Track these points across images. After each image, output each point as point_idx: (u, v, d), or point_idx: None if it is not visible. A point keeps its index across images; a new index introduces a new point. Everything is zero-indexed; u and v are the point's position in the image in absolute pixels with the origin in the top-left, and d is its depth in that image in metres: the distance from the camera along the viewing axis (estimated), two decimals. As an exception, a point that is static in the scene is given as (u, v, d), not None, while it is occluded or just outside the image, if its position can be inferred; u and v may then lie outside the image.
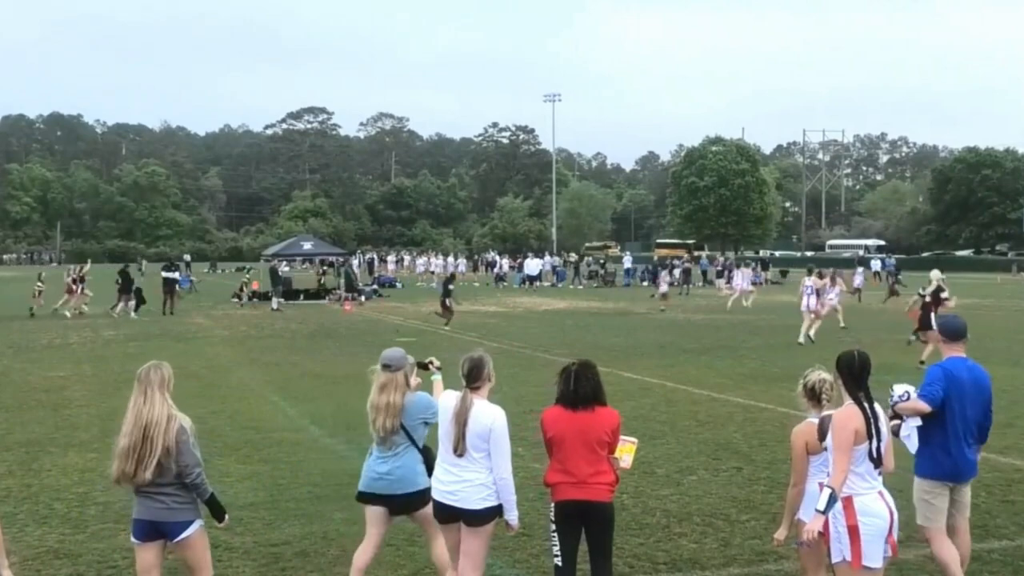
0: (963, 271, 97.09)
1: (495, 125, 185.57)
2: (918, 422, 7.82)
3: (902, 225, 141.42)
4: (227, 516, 7.22)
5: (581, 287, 65.37)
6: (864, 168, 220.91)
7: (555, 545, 7.02)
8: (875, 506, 6.52)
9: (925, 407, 7.72)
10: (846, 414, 6.65)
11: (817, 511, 6.43)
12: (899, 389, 7.85)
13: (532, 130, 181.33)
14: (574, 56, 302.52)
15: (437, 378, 8.32)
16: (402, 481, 7.67)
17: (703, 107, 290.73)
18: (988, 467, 12.35)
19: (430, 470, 7.48)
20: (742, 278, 47.29)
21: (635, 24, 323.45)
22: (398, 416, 7.63)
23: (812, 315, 29.51)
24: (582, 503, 6.91)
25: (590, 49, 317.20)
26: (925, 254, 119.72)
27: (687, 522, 10.21)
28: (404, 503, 7.74)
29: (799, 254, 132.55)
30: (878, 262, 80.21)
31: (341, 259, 58.33)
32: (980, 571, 8.60)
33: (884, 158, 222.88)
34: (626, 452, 7.16)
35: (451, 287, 37.39)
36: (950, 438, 7.78)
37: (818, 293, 30.24)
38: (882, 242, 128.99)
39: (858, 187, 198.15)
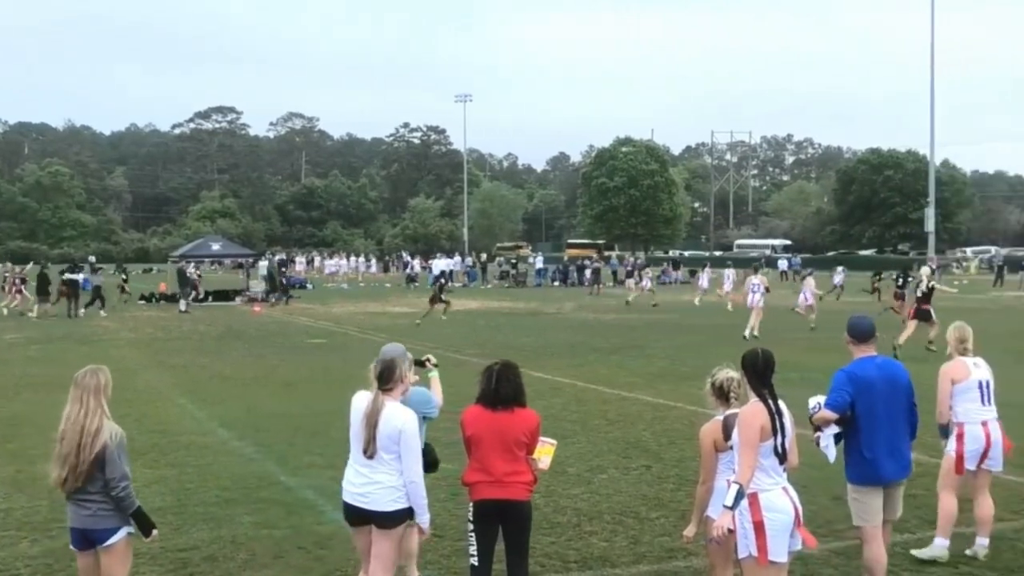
0: (867, 270, 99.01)
1: (406, 125, 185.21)
2: (835, 430, 7.88)
3: (807, 225, 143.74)
4: (155, 531, 6.99)
5: (489, 287, 65.41)
6: (771, 169, 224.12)
7: (472, 545, 7.02)
8: (780, 501, 6.59)
9: (832, 415, 7.79)
10: (751, 411, 6.70)
11: (725, 507, 6.46)
12: (812, 401, 7.97)
13: (443, 130, 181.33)
14: (485, 57, 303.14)
15: (434, 374, 8.46)
16: None
17: (613, 108, 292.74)
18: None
19: (428, 466, 7.39)
20: (705, 279, 48.23)
21: (545, 25, 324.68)
22: None
23: (757, 311, 30.90)
24: (500, 502, 6.93)
25: (501, 50, 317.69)
26: (830, 253, 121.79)
27: (597, 520, 10.28)
28: None
29: (707, 254, 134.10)
30: (784, 262, 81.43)
31: (266, 258, 57.80)
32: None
33: (790, 159, 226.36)
34: (545, 453, 7.20)
35: (443, 282, 38.98)
36: (865, 441, 7.77)
37: (767, 289, 31.81)
38: (788, 242, 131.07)
39: (765, 187, 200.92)
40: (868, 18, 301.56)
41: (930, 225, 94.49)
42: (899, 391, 7.89)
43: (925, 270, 27.85)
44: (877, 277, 48.95)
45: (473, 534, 7.02)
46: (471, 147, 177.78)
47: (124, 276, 51.41)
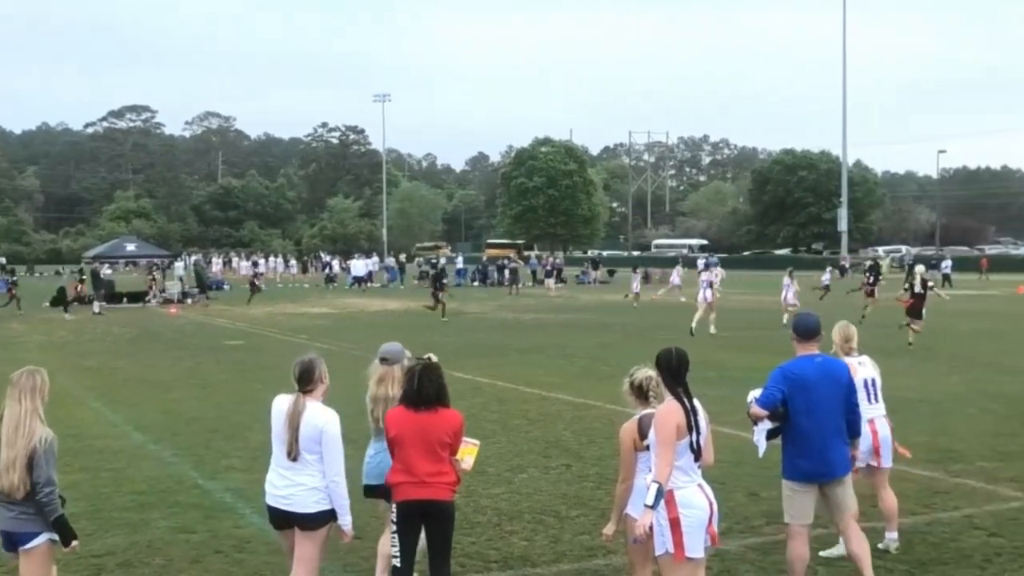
0: (781, 269, 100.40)
1: (324, 125, 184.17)
2: (767, 425, 7.92)
3: (724, 225, 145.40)
4: (76, 542, 6.80)
5: (402, 287, 65.22)
6: (688, 169, 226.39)
7: (395, 545, 7.01)
8: (695, 498, 6.62)
9: (761, 412, 7.83)
10: (667, 410, 6.72)
11: (646, 506, 6.46)
12: (750, 395, 8.01)
13: (362, 130, 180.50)
14: (404, 56, 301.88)
15: None
16: None
17: (532, 108, 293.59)
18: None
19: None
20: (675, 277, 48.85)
21: (463, 26, 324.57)
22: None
23: (707, 306, 31.97)
24: (423, 502, 6.93)
25: (419, 50, 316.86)
26: (746, 253, 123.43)
27: (518, 520, 10.31)
28: None
29: (626, 253, 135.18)
30: (702, 261, 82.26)
31: (192, 258, 57.22)
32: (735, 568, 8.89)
33: (707, 159, 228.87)
34: (468, 454, 7.22)
35: (445, 280, 39.37)
36: (799, 438, 7.72)
37: (711, 285, 32.81)
38: (705, 241, 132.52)
39: (682, 188, 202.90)
40: (782, 21, 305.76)
41: (843, 225, 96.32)
42: (838, 390, 7.85)
43: (920, 268, 29.26)
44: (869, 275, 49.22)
45: (396, 534, 7.01)
46: (390, 147, 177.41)
47: (13, 279, 49.23)
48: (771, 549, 9.23)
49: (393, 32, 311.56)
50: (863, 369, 9.12)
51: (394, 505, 7.04)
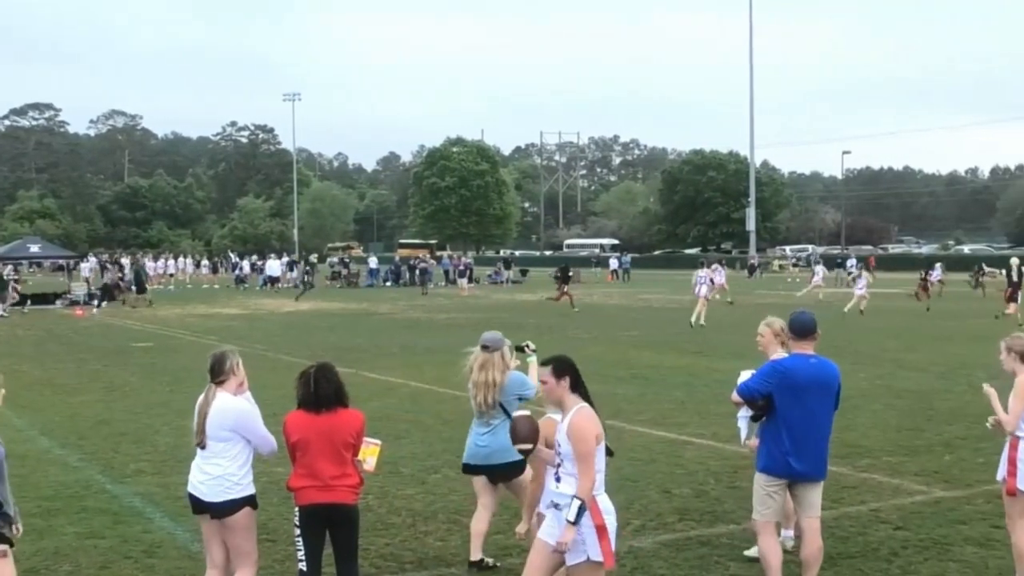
0: (691, 269, 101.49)
1: (233, 124, 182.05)
2: (749, 413, 7.94)
3: (635, 224, 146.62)
4: None
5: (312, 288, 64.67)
6: (599, 169, 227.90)
7: (299, 550, 6.98)
8: (609, 503, 6.49)
9: (737, 399, 7.84)
10: (587, 420, 6.42)
11: (569, 522, 6.26)
12: (741, 377, 8.03)
13: (272, 129, 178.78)
14: (314, 56, 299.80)
15: (532, 359, 8.94)
16: (498, 453, 8.48)
17: (444, 109, 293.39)
18: (716, 455, 12.99)
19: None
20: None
21: (373, 26, 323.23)
22: (498, 392, 8.54)
23: (703, 301, 33.90)
24: (327, 506, 6.89)
25: (330, 49, 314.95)
26: (656, 252, 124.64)
27: (433, 520, 10.29)
28: (500, 472, 8.67)
29: (538, 253, 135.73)
30: (615, 261, 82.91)
31: (131, 258, 56.40)
32: (710, 555, 9.00)
33: (617, 160, 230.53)
34: (370, 454, 7.18)
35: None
36: (782, 435, 7.62)
37: (712, 281, 35.62)
38: (616, 241, 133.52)
39: (593, 188, 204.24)
40: (690, 22, 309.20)
41: (751, 224, 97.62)
42: (828, 392, 7.75)
43: (1015, 261, 34.62)
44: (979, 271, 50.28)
45: (300, 539, 6.99)
46: (300, 147, 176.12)
47: None
48: (684, 546, 9.33)
49: (303, 31, 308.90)
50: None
51: (297, 509, 7.01)
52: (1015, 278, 34.98)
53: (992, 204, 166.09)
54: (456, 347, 27.88)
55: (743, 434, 8.24)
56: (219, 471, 6.99)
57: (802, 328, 7.87)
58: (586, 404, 6.53)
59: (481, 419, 8.72)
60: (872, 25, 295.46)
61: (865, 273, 41.53)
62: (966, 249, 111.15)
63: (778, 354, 8.20)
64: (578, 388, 6.58)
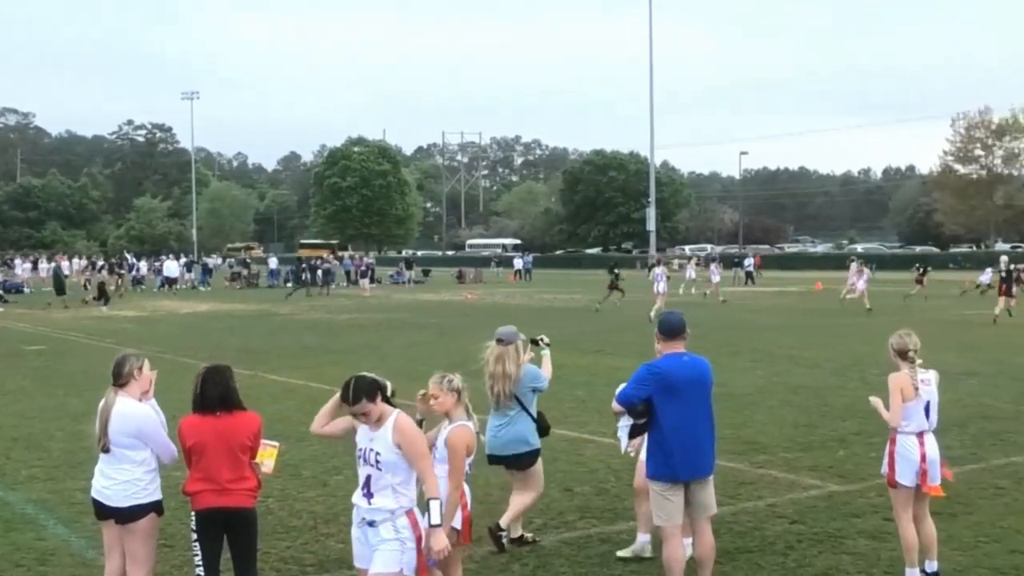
0: (593, 268, 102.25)
1: (130, 123, 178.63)
2: (629, 422, 7.92)
3: (536, 224, 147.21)
4: None
5: (205, 289, 63.87)
6: (500, 169, 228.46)
7: (197, 555, 6.91)
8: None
9: (617, 408, 7.83)
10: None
11: (434, 525, 6.28)
12: (619, 389, 8.07)
13: (169, 128, 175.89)
14: (214, 55, 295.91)
15: (546, 353, 9.60)
16: (513, 443, 9.08)
17: (345, 108, 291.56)
18: (616, 453, 13.07)
19: (543, 432, 9.14)
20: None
21: (274, 25, 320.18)
22: (513, 384, 8.96)
23: (661, 297, 35.96)
24: (224, 510, 6.82)
25: (229, 48, 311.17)
26: (558, 252, 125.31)
27: (334, 522, 10.21)
28: (514, 461, 9.14)
29: (440, 253, 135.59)
30: (519, 261, 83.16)
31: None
32: (611, 552, 9.07)
33: (519, 160, 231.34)
34: (268, 456, 7.10)
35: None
36: (666, 437, 7.62)
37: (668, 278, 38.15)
38: (518, 241, 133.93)
39: (495, 188, 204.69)
40: (591, 23, 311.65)
41: (651, 224, 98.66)
42: (704, 389, 7.79)
43: (1004, 259, 37.29)
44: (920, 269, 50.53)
45: (198, 544, 6.92)
46: (199, 146, 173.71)
47: None
48: (585, 543, 9.39)
49: (201, 30, 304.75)
50: None
51: (193, 514, 6.94)
52: (1004, 274, 36.06)
53: (884, 204, 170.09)
54: (358, 348, 27.80)
55: (623, 444, 8.30)
56: (127, 476, 6.89)
57: (671, 328, 7.88)
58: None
59: (498, 411, 9.16)
60: (767, 28, 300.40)
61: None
62: (859, 248, 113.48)
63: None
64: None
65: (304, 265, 62.44)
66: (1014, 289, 35.95)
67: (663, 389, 7.60)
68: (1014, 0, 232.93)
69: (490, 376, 9.08)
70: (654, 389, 7.62)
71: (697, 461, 7.72)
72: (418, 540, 6.30)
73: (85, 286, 51.52)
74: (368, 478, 6.39)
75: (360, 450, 6.48)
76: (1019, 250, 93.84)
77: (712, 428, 7.89)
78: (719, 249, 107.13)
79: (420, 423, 7.13)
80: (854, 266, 43.34)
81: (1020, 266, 42.53)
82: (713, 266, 50.85)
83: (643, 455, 8.87)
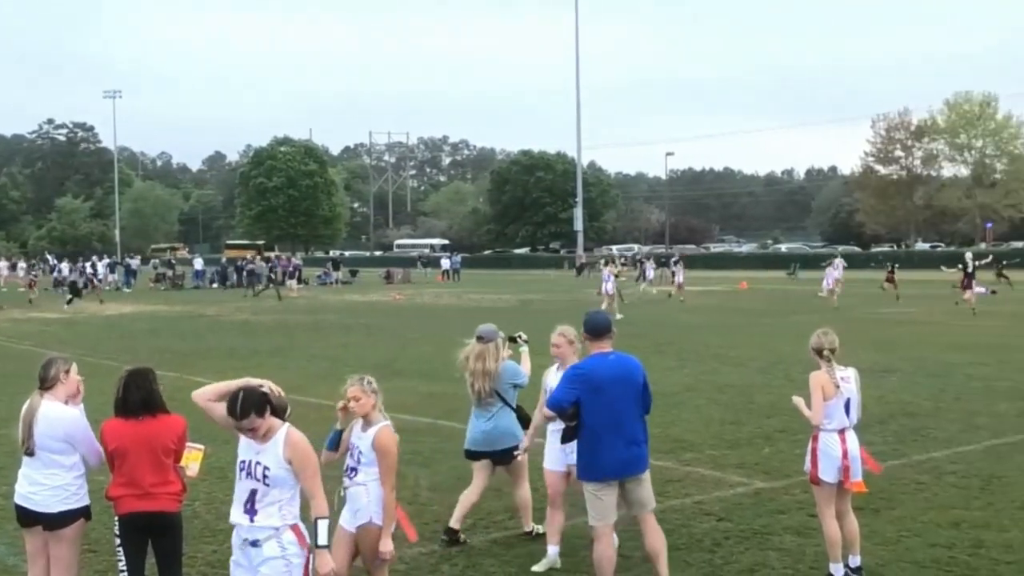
0: (521, 268, 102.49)
1: (51, 122, 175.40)
2: (561, 425, 7.90)
3: (464, 224, 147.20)
4: None
5: (128, 291, 63.02)
6: (428, 170, 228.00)
7: (121, 560, 6.81)
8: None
9: (549, 413, 7.80)
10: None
11: (321, 547, 6.06)
12: (543, 395, 8.02)
13: (91, 128, 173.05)
14: (137, 53, 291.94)
15: (524, 349, 9.85)
16: (502, 437, 9.25)
17: (270, 108, 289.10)
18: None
19: (525, 425, 9.07)
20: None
21: (197, 24, 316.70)
22: (493, 380, 9.13)
23: (608, 298, 36.22)
24: (148, 515, 6.73)
25: (152, 48, 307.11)
26: (486, 252, 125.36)
27: (261, 525, 10.13)
28: (504, 455, 9.28)
29: (368, 254, 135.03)
30: (446, 261, 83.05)
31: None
32: (541, 551, 9.08)
33: (447, 160, 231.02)
34: (193, 460, 7.01)
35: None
36: (595, 437, 7.62)
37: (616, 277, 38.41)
38: (446, 241, 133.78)
39: (423, 188, 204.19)
40: (517, 23, 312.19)
41: (579, 224, 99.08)
42: (632, 387, 7.75)
43: (969, 255, 38.93)
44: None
45: (121, 549, 6.82)
46: (122, 145, 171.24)
47: None
48: (515, 543, 9.41)
49: (126, 28, 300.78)
50: (558, 375, 8.65)
51: (117, 519, 6.84)
52: (969, 270, 37.91)
53: (807, 204, 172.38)
54: (285, 349, 27.58)
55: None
56: (58, 481, 6.79)
57: (596, 328, 7.87)
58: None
59: (480, 407, 9.33)
60: (689, 30, 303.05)
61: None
62: (783, 248, 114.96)
63: (573, 361, 8.37)
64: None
65: (229, 267, 61.72)
66: (974, 283, 37.75)
67: (589, 389, 7.59)
68: (930, 3, 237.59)
69: (471, 373, 9.28)
70: (581, 390, 7.60)
71: (627, 459, 7.72)
72: (306, 557, 6.05)
73: (30, 286, 53.34)
74: (252, 493, 6.09)
75: (243, 462, 6.16)
76: (938, 249, 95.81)
77: (643, 426, 7.89)
78: (646, 249, 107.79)
79: (340, 434, 7.16)
80: (837, 262, 45.18)
81: (981, 260, 44.02)
82: (648, 265, 51.22)
83: (546, 462, 9.06)
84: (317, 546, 6.03)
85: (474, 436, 9.43)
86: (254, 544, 6.02)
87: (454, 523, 9.35)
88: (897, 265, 51.04)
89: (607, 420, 7.59)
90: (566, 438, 7.98)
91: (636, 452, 7.78)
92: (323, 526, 6.03)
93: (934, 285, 48.80)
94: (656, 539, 7.90)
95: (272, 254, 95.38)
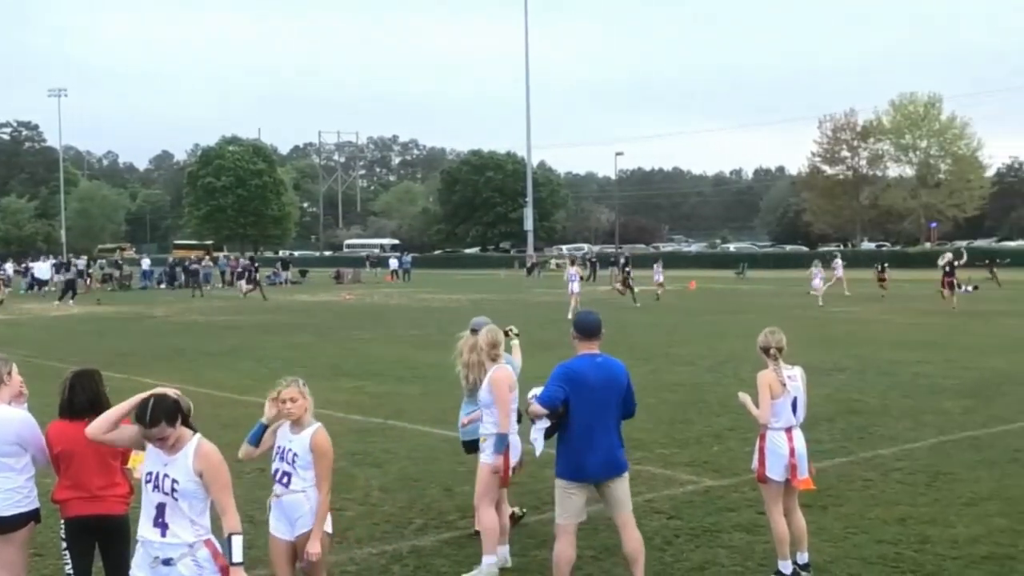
0: (471, 268, 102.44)
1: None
2: (545, 424, 7.82)
3: (415, 224, 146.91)
4: None
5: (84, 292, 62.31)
6: (378, 169, 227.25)
7: (67, 564, 6.74)
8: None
9: (541, 411, 7.74)
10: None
11: (236, 564, 5.79)
12: (531, 392, 7.94)
13: (36, 126, 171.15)
14: (83, 52, 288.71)
15: (515, 343, 9.80)
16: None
17: (218, 107, 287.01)
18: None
19: (519, 416, 8.91)
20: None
21: (143, 21, 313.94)
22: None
23: (574, 297, 36.42)
24: (95, 518, 6.67)
25: (99, 47, 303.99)
26: (436, 252, 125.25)
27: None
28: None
29: (318, 253, 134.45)
30: (395, 261, 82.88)
31: None
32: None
33: (396, 160, 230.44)
34: (139, 462, 6.92)
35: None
36: (575, 436, 7.66)
37: (582, 278, 39.23)
38: (397, 241, 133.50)
39: (373, 188, 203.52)
40: (467, 23, 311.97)
41: (529, 224, 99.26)
42: (615, 391, 7.81)
43: (948, 256, 40.44)
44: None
45: (68, 552, 6.75)
46: (68, 144, 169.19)
47: None
48: (466, 543, 9.40)
49: (71, 25, 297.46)
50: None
51: (63, 522, 6.77)
52: (948, 270, 39.62)
53: (755, 204, 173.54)
54: (235, 350, 27.39)
55: (538, 447, 8.28)
56: (10, 484, 6.66)
57: (585, 329, 7.91)
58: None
59: (470, 397, 9.39)
60: (641, 30, 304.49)
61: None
62: (731, 247, 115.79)
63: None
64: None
65: (178, 267, 61.23)
66: (956, 282, 39.72)
67: (577, 389, 7.65)
68: (875, 5, 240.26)
69: (464, 365, 9.40)
70: (569, 389, 7.66)
71: (608, 461, 7.79)
72: (222, 571, 5.83)
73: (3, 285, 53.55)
74: (161, 507, 5.83)
75: (149, 474, 5.90)
76: (883, 248, 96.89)
77: (618, 428, 7.93)
78: (596, 248, 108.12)
79: (263, 429, 7.03)
80: (838, 262, 46.49)
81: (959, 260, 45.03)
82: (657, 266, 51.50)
83: (485, 457, 8.93)
84: (232, 563, 5.77)
85: (468, 427, 9.48)
86: (166, 563, 5.76)
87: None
88: (887, 264, 51.42)
89: (591, 421, 7.65)
90: (549, 435, 7.96)
91: (616, 454, 7.87)
92: (238, 542, 5.78)
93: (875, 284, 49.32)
94: (636, 543, 7.93)
95: (221, 254, 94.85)
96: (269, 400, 6.98)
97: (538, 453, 8.19)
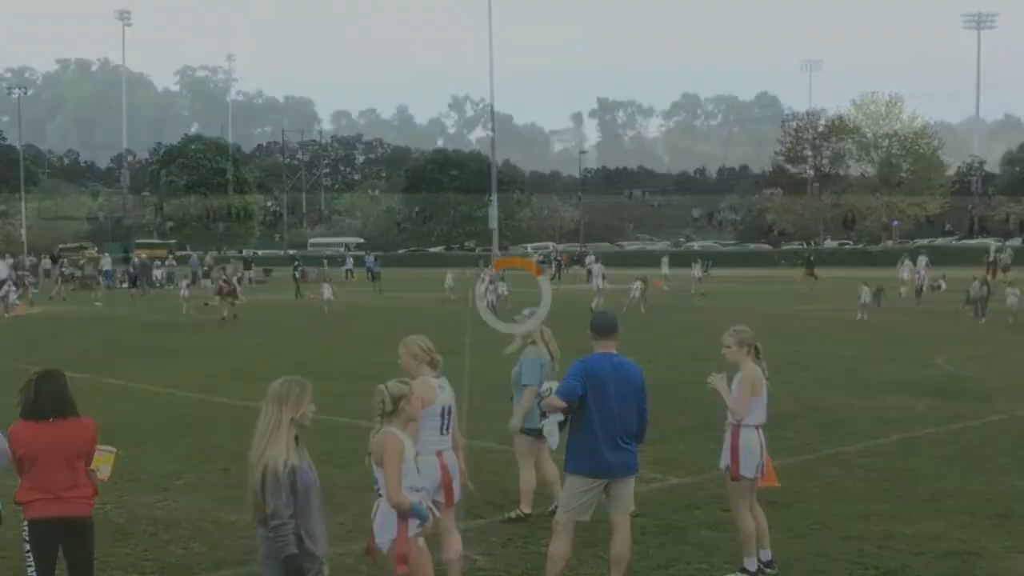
0: (439, 266, 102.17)
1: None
2: (559, 418, 7.90)
3: (379, 223, 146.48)
4: None
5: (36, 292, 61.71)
6: (342, 168, 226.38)
7: (30, 566, 6.69)
8: None
9: (560, 403, 7.77)
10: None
11: None
12: (545, 385, 7.98)
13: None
14: (45, 47, 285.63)
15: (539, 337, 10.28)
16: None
17: (180, 105, 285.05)
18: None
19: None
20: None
21: (98, 21, 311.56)
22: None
23: (604, 293, 38.67)
24: (59, 519, 6.62)
25: (62, 43, 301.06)
26: (401, 251, 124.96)
27: (175, 528, 10.02)
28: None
29: (282, 252, 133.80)
30: (350, 260, 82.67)
31: None
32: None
33: (361, 158, 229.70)
34: (103, 462, 6.90)
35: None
36: (589, 435, 7.69)
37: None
38: (361, 240, 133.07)
39: (337, 187, 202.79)
40: (424, 22, 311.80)
41: (494, 223, 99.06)
42: (631, 392, 7.86)
43: (923, 259, 45.63)
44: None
45: (31, 554, 6.69)
46: (28, 142, 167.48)
47: None
48: (431, 540, 9.38)
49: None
50: (442, 394, 8.26)
51: (26, 523, 6.71)
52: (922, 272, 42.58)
53: (719, 203, 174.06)
54: (199, 349, 27.22)
55: (553, 440, 8.21)
56: None
57: (601, 327, 7.98)
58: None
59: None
60: (607, 26, 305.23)
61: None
62: (696, 246, 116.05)
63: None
64: None
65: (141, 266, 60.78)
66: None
67: (593, 386, 7.69)
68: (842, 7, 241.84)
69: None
70: (588, 384, 7.70)
71: (621, 461, 7.83)
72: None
73: None
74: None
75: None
76: (846, 247, 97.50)
77: (634, 429, 7.95)
78: (562, 247, 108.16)
79: None
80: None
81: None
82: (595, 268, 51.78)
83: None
84: None
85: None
86: None
87: (526, 508, 10.14)
88: (812, 258, 52.66)
89: (605, 418, 7.69)
90: (562, 427, 8.04)
91: (629, 454, 7.90)
92: None
93: (842, 282, 49.66)
94: (626, 546, 7.96)
95: (194, 254, 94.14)
96: (411, 405, 6.98)
97: (554, 446, 8.14)
